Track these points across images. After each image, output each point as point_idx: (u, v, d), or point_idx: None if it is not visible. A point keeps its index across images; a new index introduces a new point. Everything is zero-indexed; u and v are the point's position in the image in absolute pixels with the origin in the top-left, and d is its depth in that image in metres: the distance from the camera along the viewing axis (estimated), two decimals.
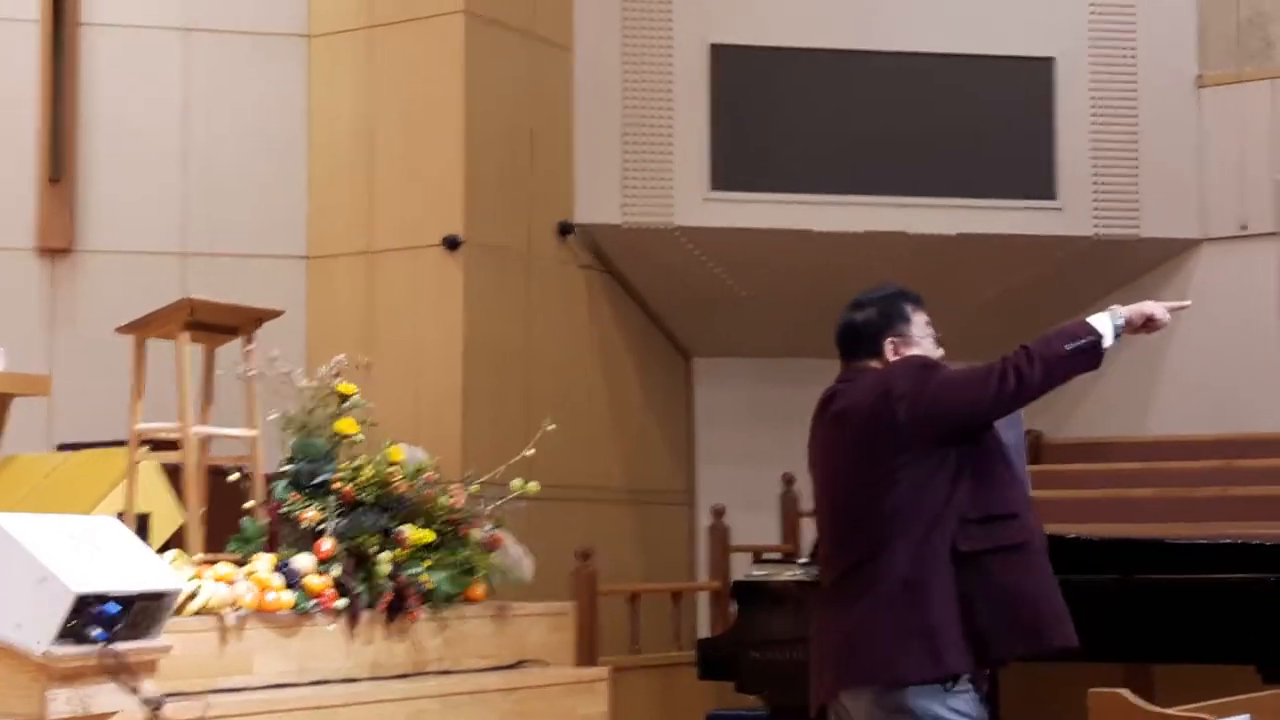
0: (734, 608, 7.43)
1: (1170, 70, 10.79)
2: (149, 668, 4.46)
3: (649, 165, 10.25)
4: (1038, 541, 4.12)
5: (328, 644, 5.64)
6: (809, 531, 9.32)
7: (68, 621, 4.22)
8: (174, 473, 6.56)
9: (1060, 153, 10.59)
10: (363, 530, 5.93)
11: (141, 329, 6.18)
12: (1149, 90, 10.74)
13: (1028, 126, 10.59)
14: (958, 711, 3.99)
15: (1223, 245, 10.72)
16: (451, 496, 6.24)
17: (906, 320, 4.26)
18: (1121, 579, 6.40)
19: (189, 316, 6.12)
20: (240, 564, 5.73)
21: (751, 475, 10.33)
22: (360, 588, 5.79)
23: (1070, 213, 10.58)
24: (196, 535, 6.09)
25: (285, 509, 5.95)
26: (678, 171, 10.25)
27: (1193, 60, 10.87)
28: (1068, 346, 4.04)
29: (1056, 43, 10.64)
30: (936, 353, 4.26)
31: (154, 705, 4.42)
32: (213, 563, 5.69)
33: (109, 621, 4.27)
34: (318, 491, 6.04)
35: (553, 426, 6.58)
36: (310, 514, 5.92)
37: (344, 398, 6.30)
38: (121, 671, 4.30)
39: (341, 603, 5.70)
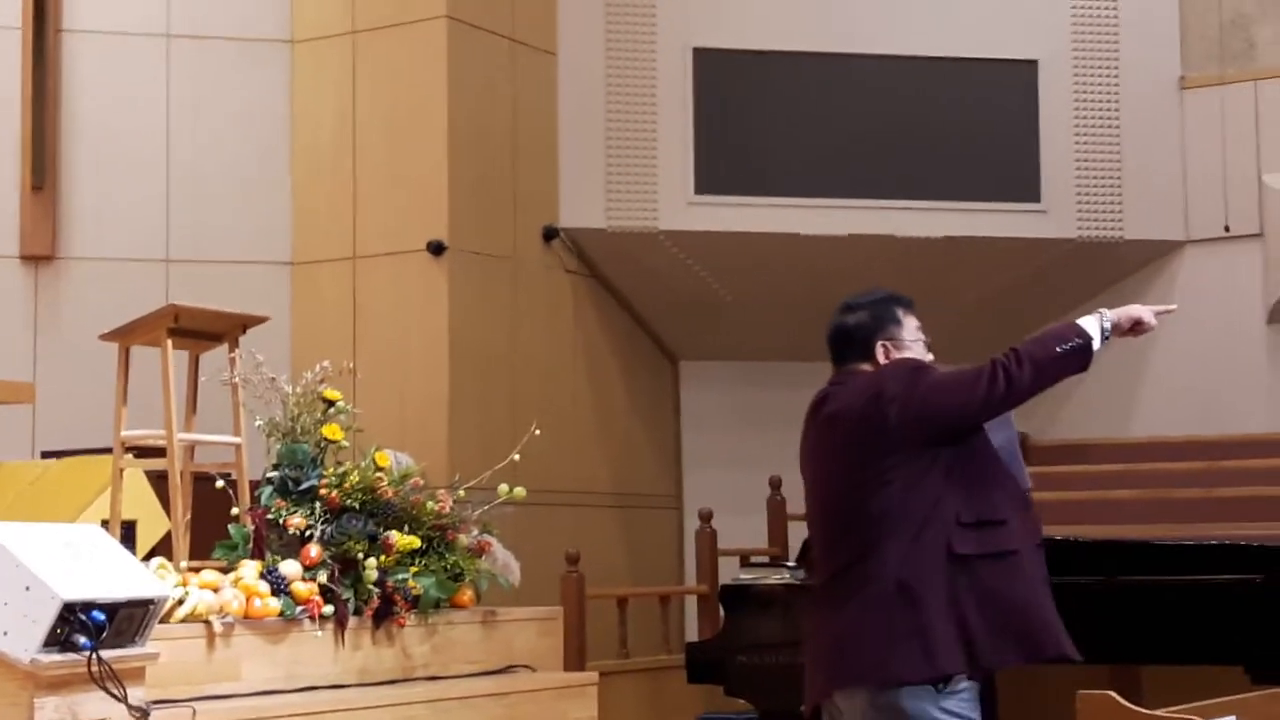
0: (722, 611, 7.44)
1: (1153, 72, 10.83)
2: (136, 675, 4.45)
3: (633, 169, 10.25)
4: (1028, 549, 4.12)
5: (315, 650, 5.63)
6: (797, 535, 9.33)
7: (54, 629, 4.20)
8: (159, 480, 6.55)
9: (1044, 155, 10.62)
10: (349, 536, 5.91)
11: (126, 336, 6.16)
12: (1132, 93, 10.77)
13: (1011, 129, 10.62)
14: (950, 712, 4.00)
15: (1206, 247, 10.76)
16: (438, 502, 6.22)
17: (898, 324, 4.27)
18: (1107, 580, 6.41)
19: (173, 323, 6.10)
20: (226, 571, 5.71)
21: (739, 479, 10.33)
22: (347, 594, 5.77)
23: (1054, 215, 10.61)
24: (182, 542, 6.07)
25: (271, 515, 5.92)
26: (662, 176, 10.26)
27: (1175, 62, 10.91)
28: (1057, 348, 4.06)
29: (1039, 46, 10.66)
30: (927, 356, 4.28)
31: (142, 713, 4.40)
32: (199, 570, 5.67)
33: (95, 629, 4.26)
34: (304, 498, 6.02)
35: (539, 431, 6.57)
36: (296, 520, 5.89)
37: (329, 404, 6.28)
38: (109, 679, 4.28)
39: (328, 609, 5.68)
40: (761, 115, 10.42)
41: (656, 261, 10.40)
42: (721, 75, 10.39)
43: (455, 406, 9.35)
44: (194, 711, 4.92)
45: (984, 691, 4.18)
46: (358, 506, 6.01)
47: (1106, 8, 10.76)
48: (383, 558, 5.92)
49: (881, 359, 4.23)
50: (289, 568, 5.71)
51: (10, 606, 4.18)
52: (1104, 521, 9.01)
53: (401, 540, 6.00)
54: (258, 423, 6.21)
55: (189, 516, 6.15)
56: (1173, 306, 4.35)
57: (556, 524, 9.40)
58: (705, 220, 10.29)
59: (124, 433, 6.17)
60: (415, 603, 5.96)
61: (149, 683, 4.55)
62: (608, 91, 10.28)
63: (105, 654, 4.28)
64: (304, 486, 6.01)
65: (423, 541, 6.09)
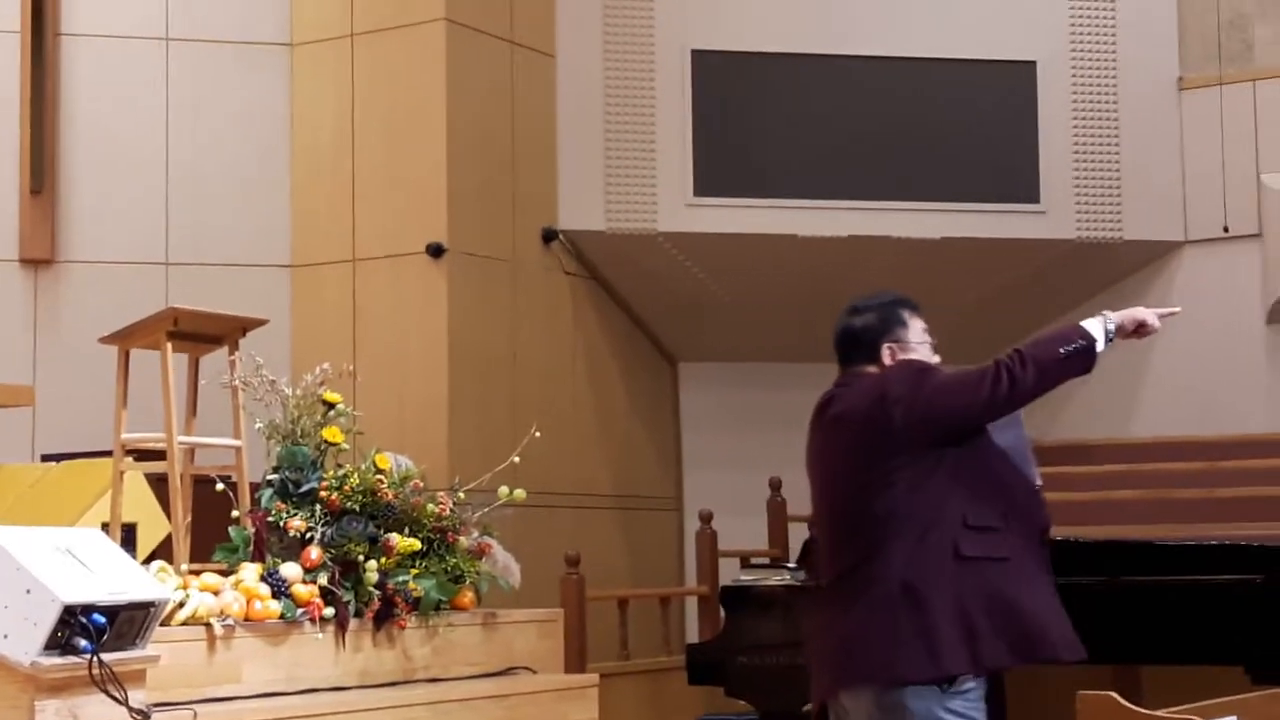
0: (722, 613, 7.44)
1: (1151, 73, 10.83)
2: (137, 678, 4.45)
3: (632, 171, 10.26)
4: (1020, 554, 4.13)
5: (316, 652, 5.63)
6: (797, 536, 9.33)
7: (55, 632, 4.21)
8: (159, 483, 6.55)
9: (1042, 156, 10.62)
10: (349, 538, 5.91)
11: (125, 339, 6.16)
12: (1130, 93, 10.77)
13: (1010, 130, 10.62)
14: (955, 713, 4.01)
15: (1205, 247, 10.76)
16: (439, 504, 6.22)
17: (904, 326, 4.29)
18: (1109, 581, 6.41)
19: (173, 326, 6.10)
20: (227, 573, 5.71)
21: (738, 480, 10.33)
22: (348, 596, 5.77)
23: (1053, 216, 10.61)
24: (182, 545, 6.07)
25: (271, 518, 5.92)
26: (661, 177, 10.26)
27: (1173, 63, 10.91)
28: (1061, 350, 4.08)
29: (1038, 47, 10.67)
30: (933, 359, 4.29)
31: (142, 715, 4.41)
32: (199, 572, 5.67)
33: (96, 632, 4.26)
34: (304, 500, 6.02)
35: (539, 433, 6.57)
36: (296, 523, 5.89)
37: (329, 406, 6.28)
38: (109, 682, 4.29)
39: (329, 611, 5.68)
40: (760, 117, 10.42)
41: (655, 263, 10.40)
42: (720, 77, 10.40)
43: (455, 408, 9.35)
44: (195, 714, 4.92)
45: (992, 692, 4.19)
46: (358, 509, 6.01)
47: (1105, 8, 10.77)
48: (383, 560, 5.92)
49: (888, 361, 4.25)
50: (289, 570, 5.71)
51: (11, 609, 4.19)
52: (1105, 521, 9.01)
53: (402, 542, 6.00)
54: (258, 425, 6.21)
55: (189, 519, 6.15)
56: (1176, 309, 4.36)
57: (557, 526, 9.40)
58: (704, 222, 10.30)
59: (124, 436, 6.17)
60: (416, 605, 5.96)
61: (150, 685, 4.56)
62: (606, 93, 10.28)
63: (106, 657, 4.28)
64: (304, 489, 6.01)
65: (423, 544, 6.10)
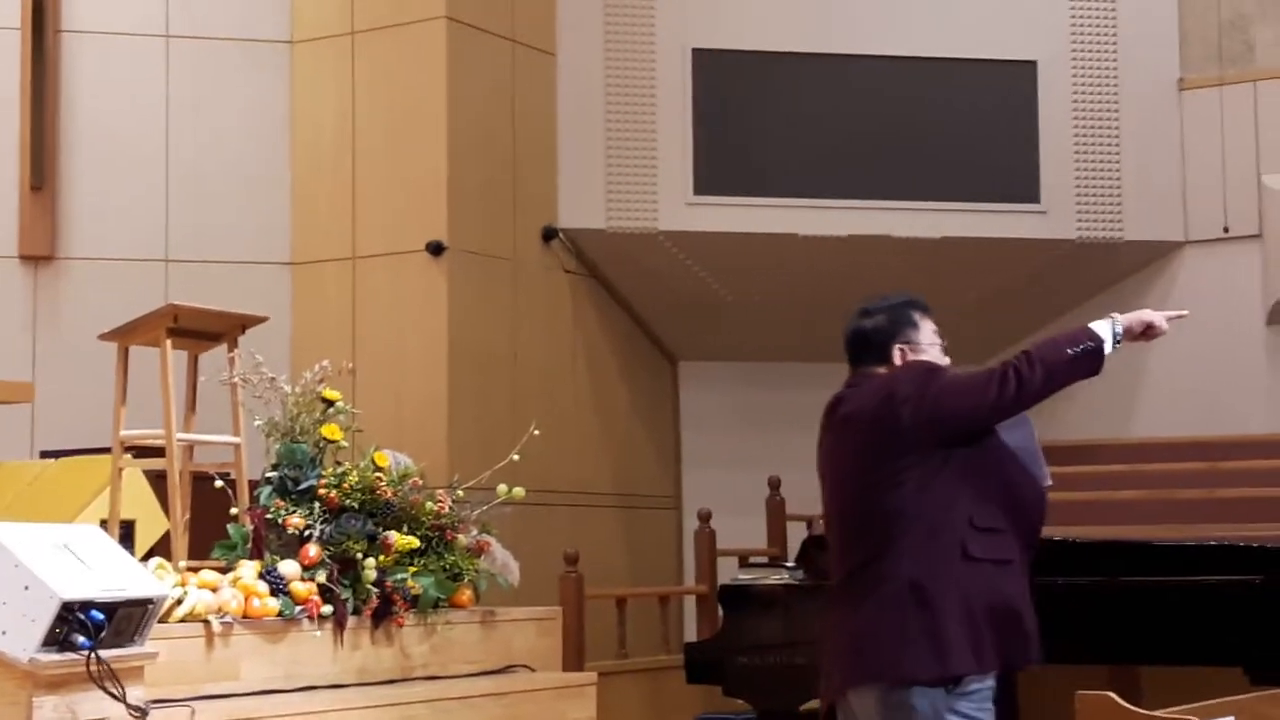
0: (721, 612, 7.44)
1: (1152, 73, 10.83)
2: (135, 675, 4.45)
3: (632, 170, 10.25)
4: (1023, 555, 4.16)
5: (314, 650, 5.62)
6: (795, 535, 9.33)
7: (53, 629, 4.20)
8: (158, 479, 6.55)
9: (1043, 156, 10.62)
10: (348, 536, 5.91)
11: (125, 336, 6.16)
12: (1131, 94, 10.77)
13: (1010, 130, 10.62)
14: (961, 714, 4.02)
15: (1205, 248, 10.76)
16: (437, 502, 6.22)
17: (914, 327, 4.31)
18: (1108, 581, 6.41)
19: (172, 323, 6.10)
20: (225, 570, 5.71)
21: (738, 479, 10.34)
22: (346, 593, 5.77)
23: (1053, 216, 10.61)
24: (181, 542, 6.06)
25: (270, 515, 5.92)
26: (661, 176, 10.26)
27: (1174, 63, 10.91)
28: (1069, 351, 4.09)
29: (1038, 47, 10.67)
30: (944, 360, 4.30)
31: (140, 712, 4.40)
32: (197, 569, 5.67)
33: (94, 629, 4.26)
34: (303, 498, 6.01)
35: (538, 431, 6.57)
36: (295, 520, 5.89)
37: (328, 404, 6.28)
38: (107, 678, 4.28)
39: (327, 609, 5.68)
40: (760, 116, 10.42)
41: (656, 262, 10.40)
42: (720, 76, 10.39)
43: (454, 406, 9.35)
44: (192, 711, 4.92)
45: (1002, 694, 4.20)
46: (357, 506, 6.00)
47: (1105, 9, 10.76)
48: (382, 558, 5.92)
49: (898, 362, 4.27)
50: (288, 567, 5.71)
51: (9, 606, 4.19)
52: (1105, 522, 9.01)
53: (400, 540, 6.00)
54: (257, 423, 6.21)
55: (188, 516, 6.15)
56: (1184, 311, 4.37)
57: (555, 524, 9.40)
58: (704, 221, 10.30)
59: (123, 432, 6.17)
60: (414, 602, 5.96)
61: (148, 682, 4.55)
62: (607, 92, 10.28)
63: (104, 653, 4.28)
64: (303, 486, 6.01)
65: (422, 541, 6.09)
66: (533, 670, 6.33)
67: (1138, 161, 10.73)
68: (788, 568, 7.28)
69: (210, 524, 6.23)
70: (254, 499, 6.09)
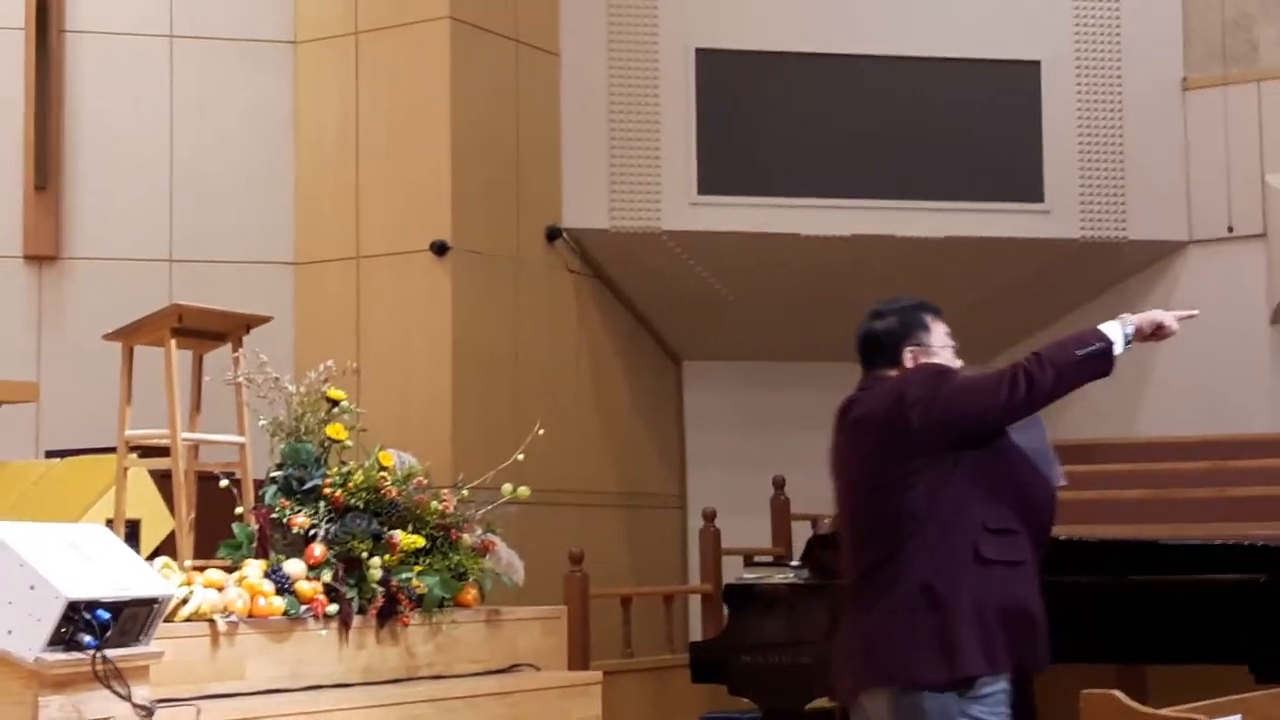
0: (726, 611, 7.43)
1: (1155, 73, 10.83)
2: (141, 674, 4.45)
3: (636, 170, 10.25)
4: (1034, 556, 4.15)
5: (320, 649, 5.63)
6: (800, 534, 9.33)
7: (59, 628, 4.21)
8: (163, 479, 6.55)
9: (1047, 156, 10.61)
10: (353, 535, 5.91)
11: (129, 335, 6.16)
12: (1134, 93, 10.77)
13: (1014, 130, 10.61)
14: (972, 716, 4.02)
15: (1209, 247, 10.76)
16: (442, 501, 6.22)
17: (926, 330, 4.31)
18: (1114, 580, 6.41)
19: (177, 323, 6.10)
20: (230, 570, 5.71)
21: (742, 478, 10.33)
22: (351, 593, 5.77)
23: (1057, 216, 10.61)
24: (186, 542, 6.07)
25: (275, 515, 5.92)
26: (665, 176, 10.26)
27: (1178, 63, 10.90)
28: (1079, 352, 4.09)
29: (1042, 46, 10.66)
30: (955, 363, 4.31)
31: (146, 712, 4.41)
32: (203, 569, 5.67)
33: (100, 628, 4.26)
34: (308, 497, 6.02)
35: (542, 431, 6.57)
36: (300, 519, 5.90)
37: (333, 403, 6.28)
38: (113, 678, 4.29)
39: (333, 608, 5.68)
40: (764, 115, 10.42)
41: (659, 262, 10.40)
42: (724, 76, 10.39)
43: (458, 406, 9.35)
44: (198, 710, 4.92)
45: (1019, 696, 4.19)
46: (362, 506, 6.01)
47: (1109, 9, 10.76)
48: (387, 557, 5.92)
49: (909, 365, 4.27)
50: (293, 567, 5.71)
51: (15, 606, 4.19)
52: (1110, 521, 9.00)
53: (405, 539, 6.01)
54: (261, 422, 6.21)
55: (193, 516, 6.16)
56: (1194, 312, 4.37)
57: (560, 523, 9.40)
58: (708, 220, 10.29)
59: (128, 432, 6.17)
60: (419, 602, 5.96)
61: (153, 681, 4.56)
62: (610, 92, 10.28)
63: (110, 653, 4.29)
64: (308, 486, 6.02)
65: (427, 541, 6.10)
66: (538, 669, 6.34)
67: (1142, 161, 10.72)
68: (792, 567, 7.27)
69: (215, 523, 6.24)
70: (259, 498, 6.09)
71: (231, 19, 9.87)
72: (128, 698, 4.33)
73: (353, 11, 9.82)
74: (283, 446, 6.15)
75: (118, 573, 4.49)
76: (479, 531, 6.33)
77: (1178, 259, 10.84)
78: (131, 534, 6.43)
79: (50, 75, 9.47)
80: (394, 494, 6.08)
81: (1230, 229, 10.68)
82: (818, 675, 6.74)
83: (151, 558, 5.75)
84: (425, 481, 6.26)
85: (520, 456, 6.26)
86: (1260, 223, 10.61)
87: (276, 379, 6.21)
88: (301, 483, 6.04)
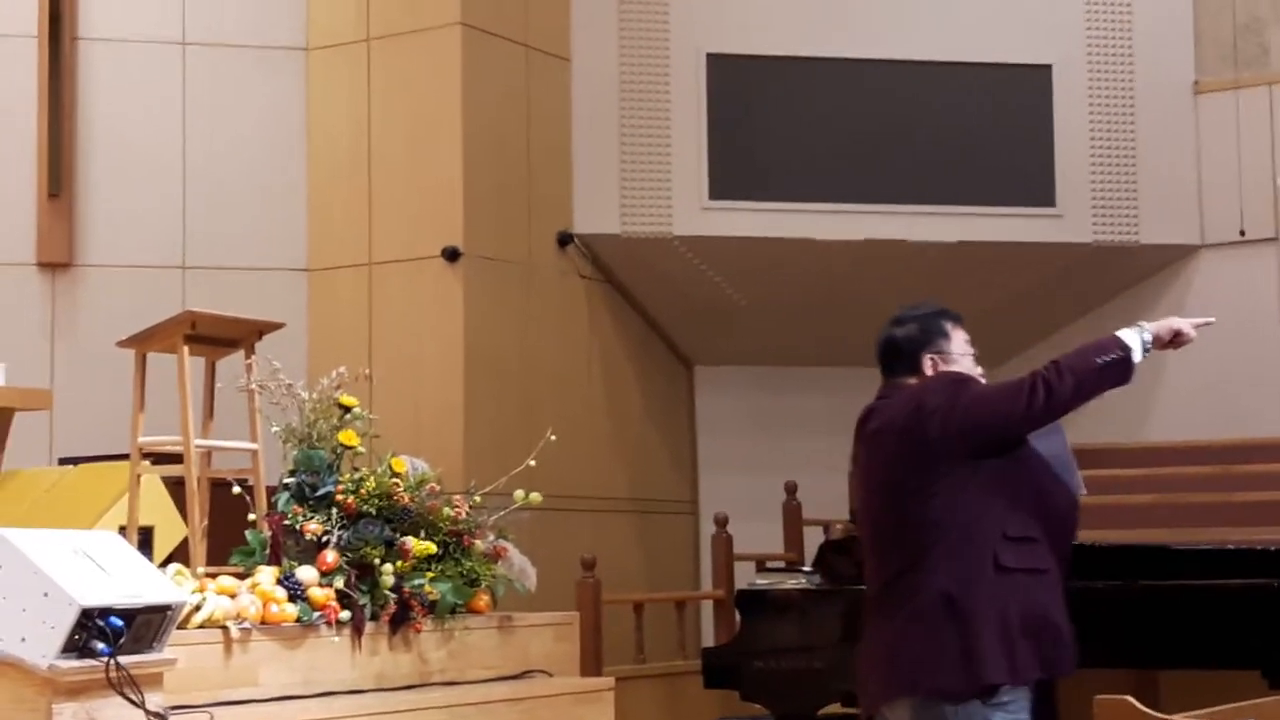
0: (738, 616, 7.43)
1: (1167, 77, 10.81)
2: (154, 681, 4.46)
3: (647, 175, 10.26)
4: (1057, 564, 4.15)
5: (333, 656, 5.63)
6: (812, 540, 9.32)
7: (72, 635, 4.22)
8: (176, 486, 6.56)
9: (1059, 160, 10.60)
10: (366, 542, 5.92)
11: (142, 342, 6.18)
12: (1146, 97, 10.75)
13: (1026, 134, 10.60)
14: None
15: (1221, 251, 10.74)
16: (454, 507, 6.23)
17: (946, 337, 4.31)
18: (1125, 585, 6.40)
19: (190, 329, 6.11)
20: (243, 577, 5.72)
21: (754, 484, 10.33)
22: (364, 599, 5.78)
23: (1069, 219, 10.60)
24: (199, 548, 6.08)
25: (288, 521, 5.93)
26: (676, 181, 10.26)
27: (1189, 67, 10.89)
28: (1098, 360, 4.08)
29: (1053, 50, 10.65)
30: (975, 370, 4.30)
31: (159, 718, 4.42)
32: (216, 575, 5.68)
33: (113, 635, 4.27)
34: (320, 504, 6.03)
35: (554, 437, 6.57)
36: (313, 526, 5.90)
37: (346, 409, 6.29)
38: (127, 685, 4.30)
39: (345, 614, 5.69)
40: (775, 120, 10.42)
41: (671, 267, 10.40)
42: (735, 80, 10.39)
43: (470, 412, 9.36)
44: (211, 717, 4.93)
45: (1040, 705, 4.19)
46: (374, 512, 6.02)
47: (1120, 12, 10.75)
48: (399, 563, 5.93)
49: (929, 372, 4.26)
50: (306, 573, 5.72)
51: (29, 613, 4.20)
52: (1122, 526, 8.99)
53: (418, 546, 6.01)
54: (274, 429, 6.22)
55: (206, 522, 6.17)
56: (1211, 319, 4.36)
57: (572, 529, 9.40)
58: (719, 225, 10.30)
59: (141, 439, 6.18)
60: (432, 608, 5.97)
61: (166, 688, 4.57)
62: (621, 97, 10.29)
63: (123, 660, 4.30)
64: (321, 492, 6.03)
65: (439, 547, 6.10)
66: (550, 675, 6.34)
67: (1153, 165, 10.71)
68: (805, 572, 7.27)
69: (228, 530, 6.25)
70: (272, 505, 6.10)
71: (244, 26, 9.89)
72: (141, 705, 4.34)
73: (364, 18, 9.84)
74: (295, 453, 6.16)
75: (131, 580, 4.50)
76: (491, 537, 6.33)
77: (1190, 263, 10.83)
78: (144, 541, 6.44)
79: (63, 82, 9.49)
80: (406, 500, 6.09)
81: (1242, 232, 10.66)
82: (830, 680, 6.75)
83: (164, 565, 5.77)
84: (438, 487, 6.26)
85: (532, 462, 6.27)
86: (1272, 226, 10.59)
87: (289, 385, 6.22)
88: (314, 489, 6.05)
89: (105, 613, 4.27)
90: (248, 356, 6.35)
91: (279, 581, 5.64)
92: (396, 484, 6.10)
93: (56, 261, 9.47)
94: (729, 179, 10.32)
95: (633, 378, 10.62)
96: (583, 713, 6.14)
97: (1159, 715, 3.77)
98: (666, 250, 10.31)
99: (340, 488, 6.03)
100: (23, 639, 4.19)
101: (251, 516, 6.12)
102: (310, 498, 6.02)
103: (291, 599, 5.60)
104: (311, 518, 5.92)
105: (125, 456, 6.42)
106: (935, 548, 4.06)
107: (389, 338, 9.56)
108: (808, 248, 10.30)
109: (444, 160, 9.52)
